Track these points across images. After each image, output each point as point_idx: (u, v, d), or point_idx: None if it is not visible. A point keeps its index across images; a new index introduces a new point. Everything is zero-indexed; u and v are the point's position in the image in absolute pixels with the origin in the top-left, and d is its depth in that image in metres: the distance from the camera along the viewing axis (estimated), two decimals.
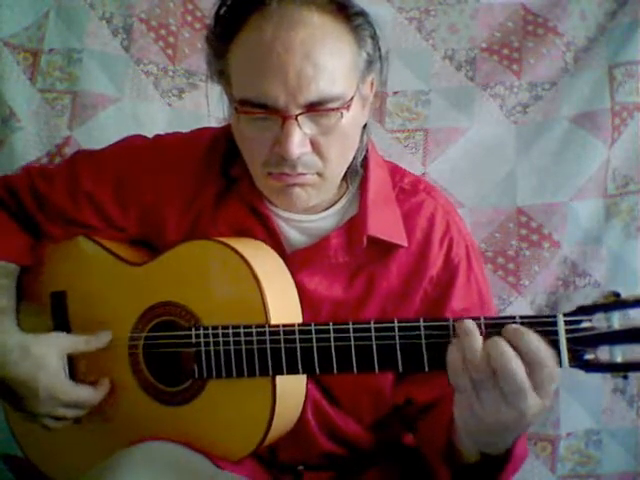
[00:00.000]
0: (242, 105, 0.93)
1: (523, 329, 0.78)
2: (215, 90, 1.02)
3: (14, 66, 1.54)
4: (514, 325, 0.79)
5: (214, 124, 1.52)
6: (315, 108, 0.90)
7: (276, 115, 0.91)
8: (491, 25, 1.63)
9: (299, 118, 0.90)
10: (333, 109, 0.91)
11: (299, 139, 0.91)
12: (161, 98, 1.60)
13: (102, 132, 1.54)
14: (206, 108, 1.56)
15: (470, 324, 0.79)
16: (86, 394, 1.04)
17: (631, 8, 1.56)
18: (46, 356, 1.00)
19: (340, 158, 0.98)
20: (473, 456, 0.88)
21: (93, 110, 1.56)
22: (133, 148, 1.14)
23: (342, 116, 0.93)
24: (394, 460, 1.11)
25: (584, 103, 1.57)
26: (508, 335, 0.78)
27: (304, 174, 0.95)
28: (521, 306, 1.55)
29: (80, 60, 1.56)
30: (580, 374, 1.59)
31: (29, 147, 1.53)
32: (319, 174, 0.96)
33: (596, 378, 1.55)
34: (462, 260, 1.06)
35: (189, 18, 1.63)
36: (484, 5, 1.63)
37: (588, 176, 1.56)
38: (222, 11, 0.95)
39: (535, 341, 0.77)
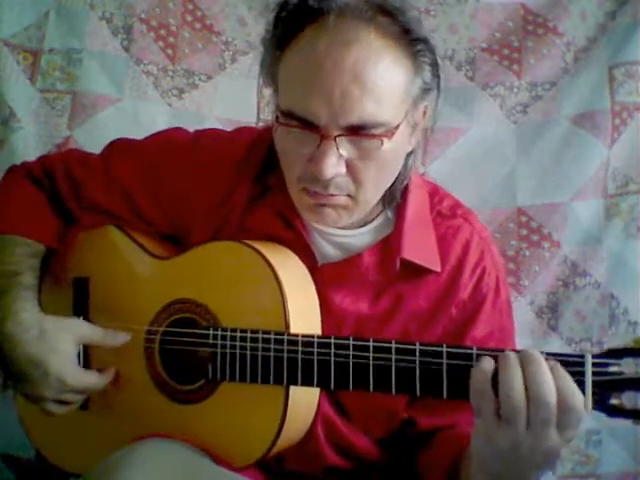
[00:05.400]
0: (284, 116, 0.90)
1: (565, 373, 0.78)
2: (214, 89, 1.00)
3: (14, 66, 1.54)
4: (556, 365, 0.78)
5: (218, 125, 1.53)
6: (356, 132, 0.87)
7: (315, 133, 0.88)
8: (491, 25, 1.63)
9: (337, 139, 0.87)
10: (375, 135, 0.88)
11: (334, 160, 0.88)
12: (161, 98, 1.60)
13: (102, 132, 1.54)
14: (207, 108, 1.59)
15: (511, 354, 0.79)
16: (93, 380, 1.04)
17: (631, 8, 1.56)
18: (61, 341, 1.00)
19: (376, 184, 0.95)
20: None
21: (93, 110, 1.56)
22: (170, 143, 1.12)
23: (383, 143, 0.89)
24: (399, 472, 1.11)
25: (584, 103, 1.57)
26: (550, 369, 0.78)
27: (335, 195, 0.93)
28: (521, 306, 1.55)
29: (80, 60, 1.57)
30: None
31: (29, 147, 1.53)
32: (351, 197, 0.94)
33: None
34: (491, 290, 1.04)
35: (189, 18, 1.63)
36: (484, 5, 1.63)
37: (588, 176, 1.56)
38: (281, 15, 0.92)
39: (574, 389, 0.77)
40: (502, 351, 0.80)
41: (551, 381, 0.76)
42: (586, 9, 1.60)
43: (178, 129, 1.16)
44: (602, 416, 1.57)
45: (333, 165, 0.88)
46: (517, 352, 0.79)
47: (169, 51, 1.61)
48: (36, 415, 1.06)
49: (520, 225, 1.58)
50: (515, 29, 1.62)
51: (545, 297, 1.57)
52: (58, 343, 1.00)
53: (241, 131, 1.13)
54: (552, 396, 0.76)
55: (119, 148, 1.15)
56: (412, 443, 1.05)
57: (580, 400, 0.77)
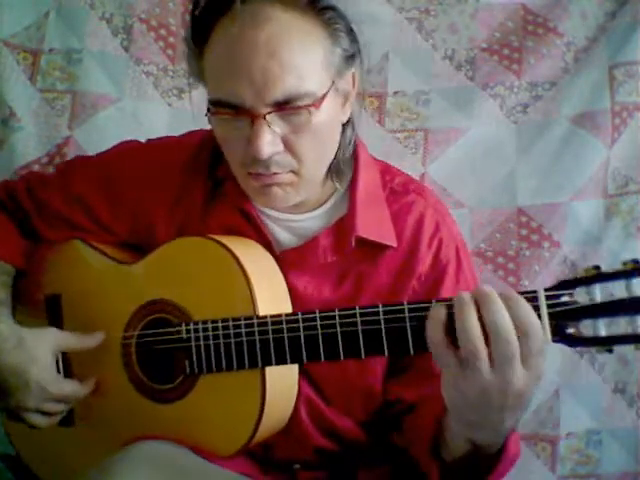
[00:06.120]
0: (214, 106, 0.93)
1: (519, 297, 0.76)
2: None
3: (14, 66, 1.54)
4: (509, 292, 0.77)
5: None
6: (283, 107, 0.90)
7: (245, 115, 0.90)
8: (491, 25, 1.63)
9: (267, 117, 0.89)
10: (301, 107, 0.90)
11: (269, 139, 0.90)
12: (161, 98, 1.60)
13: (102, 132, 1.54)
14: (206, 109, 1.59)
15: (465, 294, 0.77)
16: (73, 388, 1.05)
17: (631, 8, 1.56)
18: (39, 349, 1.01)
19: (315, 156, 0.97)
20: (462, 447, 0.86)
21: (93, 110, 1.56)
22: (124, 152, 1.15)
23: (311, 114, 0.91)
24: (387, 460, 1.11)
25: (584, 103, 1.57)
26: (504, 301, 0.76)
27: (279, 173, 0.95)
28: None
29: (80, 60, 1.57)
30: (580, 374, 1.59)
31: (29, 147, 1.54)
32: (295, 173, 0.96)
33: (596, 377, 1.55)
34: (451, 261, 1.05)
35: (189, 18, 1.62)
36: (484, 5, 1.63)
37: (588, 176, 1.56)
38: (196, 12, 0.95)
39: (529, 311, 0.76)
40: None
41: (507, 314, 0.74)
42: (586, 9, 1.60)
43: (130, 140, 1.18)
44: (602, 416, 1.58)
45: (269, 143, 0.90)
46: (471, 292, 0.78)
47: (169, 51, 1.62)
48: (22, 431, 1.07)
49: (520, 225, 1.58)
50: (515, 29, 1.62)
51: None
52: (37, 351, 1.01)
53: (188, 135, 1.15)
54: (510, 329, 0.74)
55: (76, 164, 1.18)
56: (399, 415, 1.06)
57: (539, 325, 0.75)
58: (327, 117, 0.94)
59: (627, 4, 1.57)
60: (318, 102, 0.91)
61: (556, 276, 1.56)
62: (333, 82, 0.94)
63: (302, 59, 0.90)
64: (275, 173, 0.94)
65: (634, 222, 1.56)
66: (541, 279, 1.56)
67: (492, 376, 0.75)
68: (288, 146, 0.93)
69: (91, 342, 1.05)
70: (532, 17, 1.62)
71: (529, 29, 1.61)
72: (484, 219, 1.59)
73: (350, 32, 0.95)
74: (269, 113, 0.90)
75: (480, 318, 0.75)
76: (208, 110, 0.94)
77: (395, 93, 1.62)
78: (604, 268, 0.78)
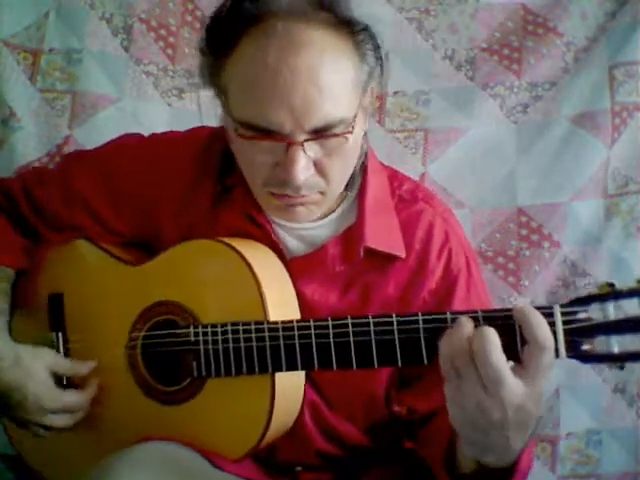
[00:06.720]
0: (243, 127, 0.90)
1: (536, 311, 0.76)
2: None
3: (14, 66, 1.54)
4: (526, 307, 0.77)
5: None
6: (321, 134, 0.89)
7: (281, 141, 0.88)
8: (491, 25, 1.63)
9: (305, 144, 0.88)
10: (338, 135, 0.89)
11: (304, 164, 0.89)
12: (161, 98, 1.60)
13: (102, 132, 1.54)
14: (207, 108, 1.59)
15: (464, 318, 0.78)
16: (73, 399, 1.04)
17: (631, 8, 1.56)
18: (35, 365, 1.02)
19: (343, 174, 0.97)
20: (470, 464, 0.85)
21: (93, 110, 1.56)
22: (125, 147, 1.13)
23: (347, 139, 0.91)
24: (392, 463, 1.11)
25: (584, 103, 1.57)
26: (516, 314, 0.77)
27: (307, 195, 0.94)
28: None
29: (80, 60, 1.57)
30: (580, 374, 1.59)
31: (29, 147, 1.53)
32: (322, 192, 0.95)
33: (596, 377, 1.55)
34: (462, 270, 1.04)
35: (189, 18, 1.63)
36: (484, 5, 1.63)
37: (588, 176, 1.56)
38: (217, 22, 0.93)
39: (544, 324, 0.76)
40: (476, 312, 0.80)
41: (492, 336, 0.74)
42: (586, 9, 1.60)
43: (132, 134, 1.17)
44: (602, 416, 1.58)
45: (303, 169, 0.89)
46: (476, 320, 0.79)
47: (169, 51, 1.61)
48: (27, 439, 1.08)
49: (520, 225, 1.57)
50: (515, 29, 1.62)
51: (545, 297, 1.56)
52: (34, 368, 1.01)
53: (195, 130, 1.14)
54: (492, 348, 0.74)
55: (75, 160, 1.16)
56: (412, 426, 1.05)
57: (552, 340, 0.75)
58: (355, 136, 0.93)
59: (627, 4, 1.57)
60: (352, 126, 0.91)
61: (556, 276, 1.56)
62: (360, 101, 0.93)
63: (338, 84, 0.88)
64: (303, 195, 0.93)
65: (634, 222, 1.56)
66: (541, 279, 1.56)
67: (487, 398, 0.75)
68: (319, 168, 0.92)
69: (83, 369, 1.05)
70: (532, 17, 1.62)
71: (529, 29, 1.61)
72: (484, 219, 1.59)
73: (376, 49, 0.94)
74: (307, 140, 0.88)
75: (470, 345, 0.75)
76: (234, 130, 0.91)
77: (395, 93, 1.62)
78: (618, 285, 0.78)
